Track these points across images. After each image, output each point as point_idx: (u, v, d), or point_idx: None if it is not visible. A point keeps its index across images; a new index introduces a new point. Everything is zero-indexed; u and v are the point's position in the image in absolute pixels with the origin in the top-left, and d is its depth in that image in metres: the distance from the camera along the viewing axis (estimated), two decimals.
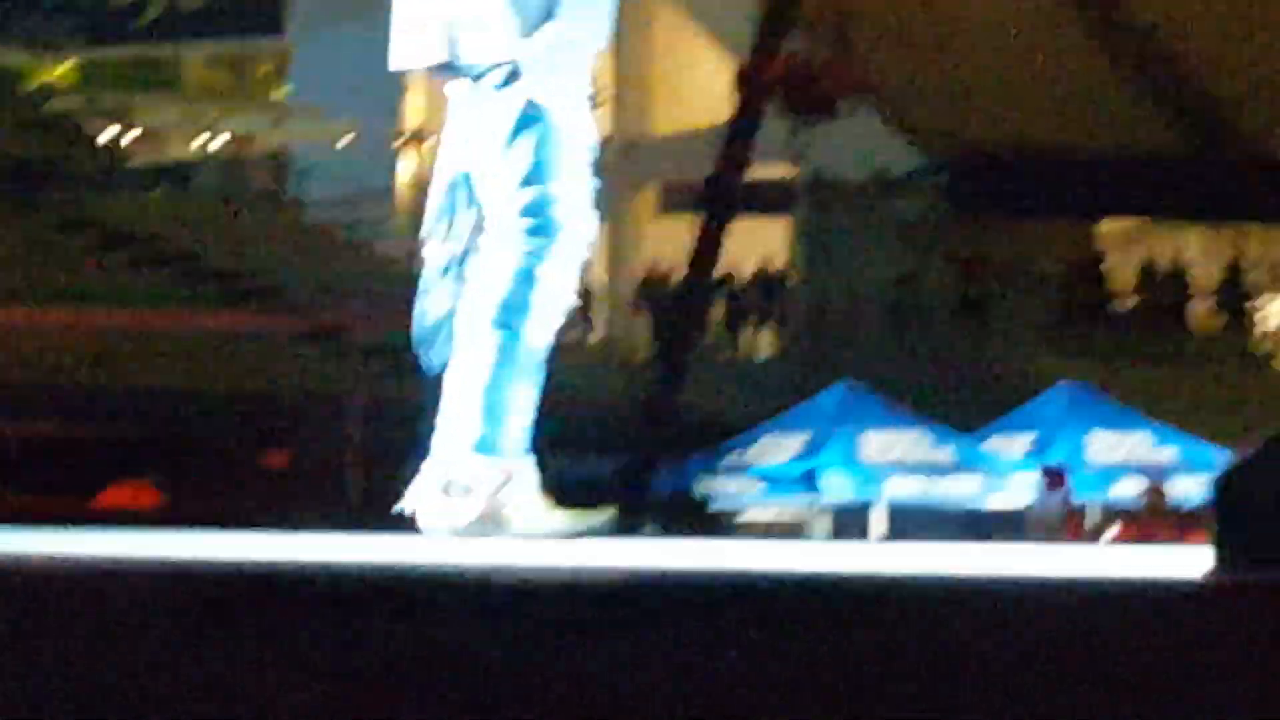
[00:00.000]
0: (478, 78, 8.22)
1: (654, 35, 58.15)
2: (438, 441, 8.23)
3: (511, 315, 8.11)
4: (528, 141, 8.07)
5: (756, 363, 51.32)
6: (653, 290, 49.36)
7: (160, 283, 45.57)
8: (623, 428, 40.38)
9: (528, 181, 8.06)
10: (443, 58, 8.30)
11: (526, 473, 8.16)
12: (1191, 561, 6.28)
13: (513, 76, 8.14)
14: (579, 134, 8.14)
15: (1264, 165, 52.09)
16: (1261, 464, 6.39)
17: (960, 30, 54.08)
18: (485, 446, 8.12)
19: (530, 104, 8.08)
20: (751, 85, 42.07)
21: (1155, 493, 35.20)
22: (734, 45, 48.65)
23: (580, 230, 8.19)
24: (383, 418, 35.43)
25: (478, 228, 8.31)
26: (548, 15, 8.26)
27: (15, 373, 38.78)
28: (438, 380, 8.27)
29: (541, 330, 8.16)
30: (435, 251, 8.44)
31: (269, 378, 40.36)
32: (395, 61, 8.46)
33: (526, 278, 8.12)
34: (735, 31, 48.74)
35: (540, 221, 8.12)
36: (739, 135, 42.28)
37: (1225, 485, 6.32)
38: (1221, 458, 36.30)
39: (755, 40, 42.80)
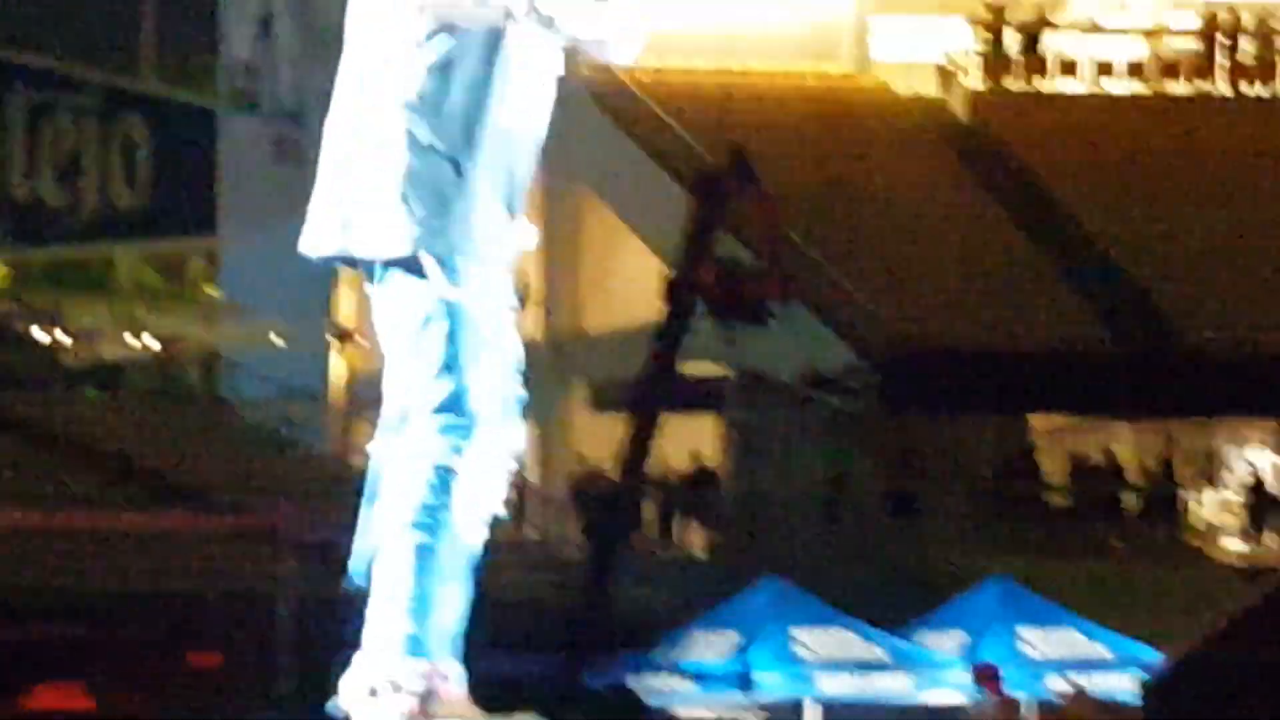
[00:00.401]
0: (383, 271, 8.05)
1: (584, 236, 58.23)
2: (367, 641, 8.01)
3: (431, 516, 7.94)
4: (439, 333, 7.90)
5: (688, 559, 51.28)
6: (584, 488, 49.29)
7: (91, 483, 45.57)
8: (554, 626, 40.41)
9: (440, 374, 7.90)
10: (337, 248, 8.21)
11: (455, 674, 8.00)
12: None
13: (416, 270, 7.96)
14: (497, 330, 8.01)
15: (1192, 364, 52.26)
16: (1188, 669, 6.11)
17: (890, 231, 54.29)
18: (413, 648, 7.92)
19: (440, 299, 7.92)
20: (680, 291, 42.24)
21: (1080, 693, 35.21)
22: (664, 248, 48.82)
23: (501, 429, 8.05)
24: (313, 617, 35.37)
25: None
26: (450, 209, 8.07)
27: None
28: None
29: (466, 531, 8.02)
30: (382, 454, 8.15)
31: (199, 577, 40.34)
32: (301, 247, 8.24)
33: (444, 477, 7.96)
34: (665, 234, 48.85)
35: (456, 418, 7.97)
36: (669, 335, 42.48)
37: (1154, 689, 6.05)
38: (1149, 655, 36.62)
39: (684, 246, 43.02)
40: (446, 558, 8.02)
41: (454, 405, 7.92)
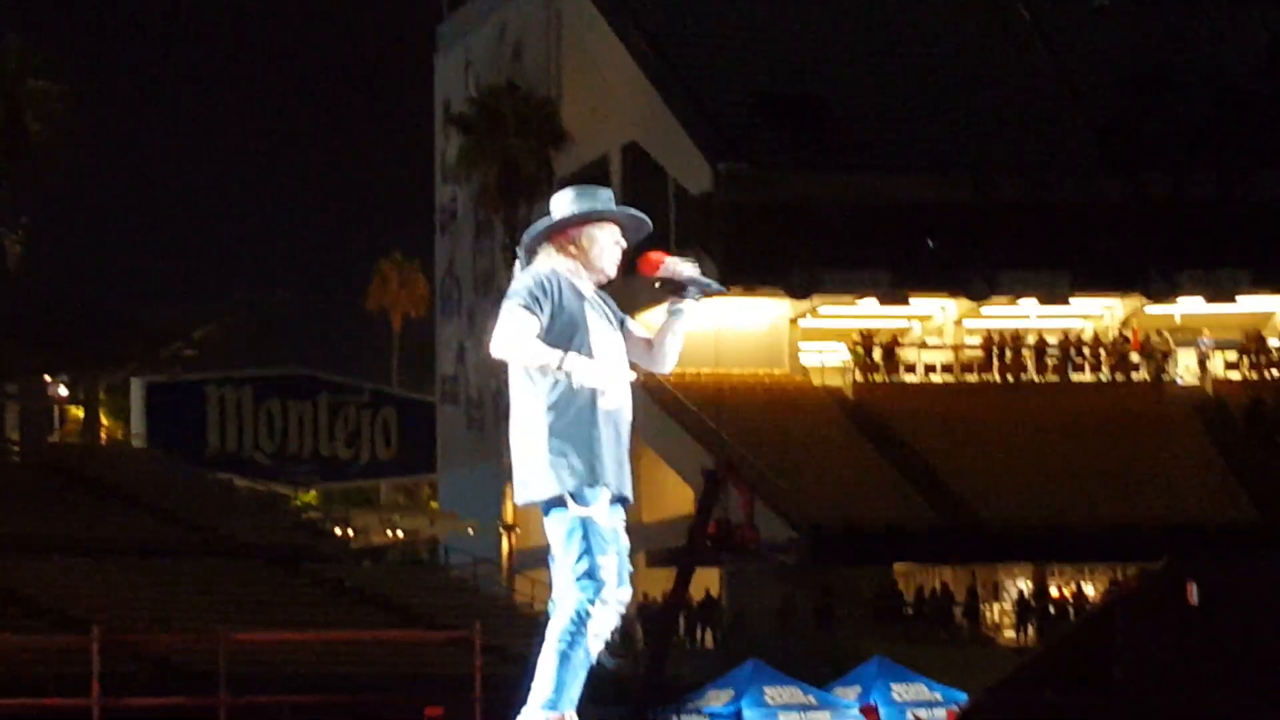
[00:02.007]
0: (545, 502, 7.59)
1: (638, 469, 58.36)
2: (529, 701, 7.70)
3: (571, 637, 7.59)
4: (579, 534, 7.50)
5: (703, 650, 50.81)
6: (646, 611, 48.68)
7: (366, 613, 45.12)
8: (629, 690, 40.03)
9: (580, 558, 7.52)
10: (520, 500, 7.67)
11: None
12: None
13: (562, 502, 7.53)
14: (614, 528, 7.59)
15: (982, 532, 52.02)
16: (983, 703, 6.65)
17: (811, 462, 54.11)
18: (551, 705, 7.64)
19: (577, 516, 7.53)
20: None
21: None
22: (689, 482, 48.87)
23: (617, 590, 7.62)
24: (493, 689, 35.22)
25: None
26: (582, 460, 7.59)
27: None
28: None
29: (593, 647, 7.65)
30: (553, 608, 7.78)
31: (430, 666, 40.14)
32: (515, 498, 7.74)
33: (581, 616, 7.58)
34: (690, 474, 48.92)
35: (590, 582, 7.53)
36: (693, 532, 42.23)
37: (964, 715, 6.58)
38: (962, 697, 36.28)
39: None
40: (576, 659, 7.65)
41: (589, 575, 7.52)
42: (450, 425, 67.69)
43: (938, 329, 60.10)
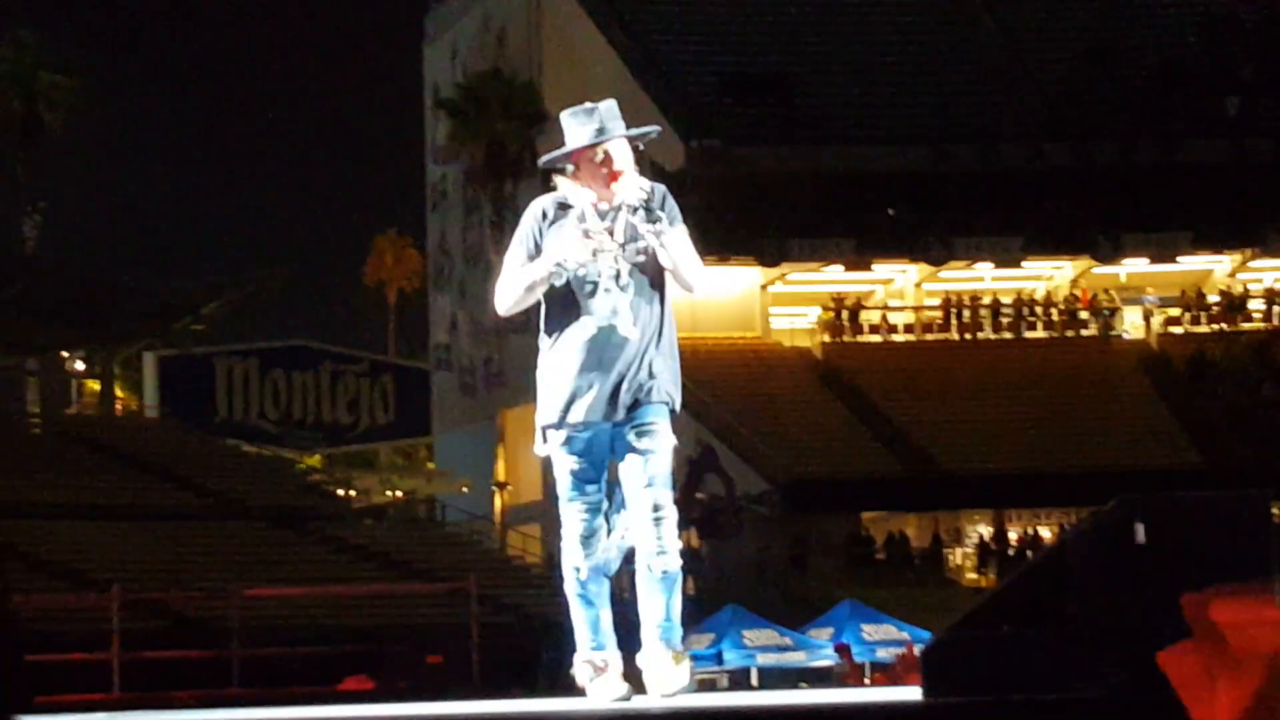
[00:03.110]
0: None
1: None
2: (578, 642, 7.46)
3: (567, 568, 7.32)
4: (556, 474, 7.25)
5: (686, 597, 50.92)
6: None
7: (369, 568, 45.09)
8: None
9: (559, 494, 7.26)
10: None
11: (615, 658, 7.44)
12: (914, 693, 6.49)
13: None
14: (588, 463, 7.29)
15: (945, 480, 52.14)
16: (946, 640, 6.62)
17: (783, 415, 54.17)
18: (580, 646, 7.39)
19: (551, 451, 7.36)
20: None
21: (909, 654, 34.79)
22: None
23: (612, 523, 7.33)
24: (488, 638, 35.21)
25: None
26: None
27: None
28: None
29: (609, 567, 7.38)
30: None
31: (428, 616, 40.28)
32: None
33: (567, 549, 7.31)
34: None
35: (568, 519, 7.23)
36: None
37: (928, 652, 6.57)
38: (927, 635, 36.43)
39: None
40: (577, 598, 7.29)
41: (566, 511, 7.20)
42: (444, 390, 67.66)
43: (899, 292, 60.17)
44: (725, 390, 53.53)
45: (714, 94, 57.83)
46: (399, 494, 65.38)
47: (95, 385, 60.80)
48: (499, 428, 63.03)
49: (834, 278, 58.70)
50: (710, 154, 56.35)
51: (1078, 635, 6.46)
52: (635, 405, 7.21)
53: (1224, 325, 58.37)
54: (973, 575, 52.05)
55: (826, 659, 38.26)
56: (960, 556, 53.50)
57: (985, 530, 53.70)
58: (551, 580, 47.52)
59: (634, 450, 7.22)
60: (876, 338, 58.44)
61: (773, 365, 56.94)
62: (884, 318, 59.00)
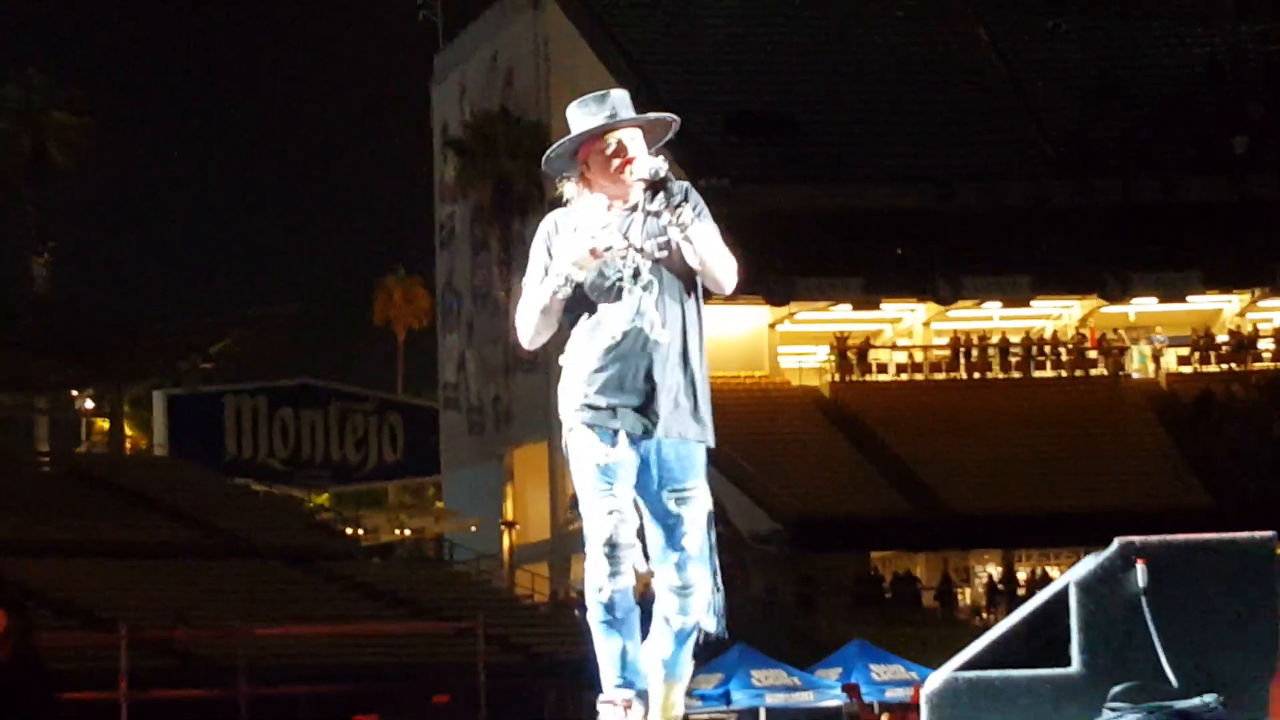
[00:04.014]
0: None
1: None
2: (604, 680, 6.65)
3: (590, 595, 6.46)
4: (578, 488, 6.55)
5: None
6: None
7: (378, 607, 45.04)
8: None
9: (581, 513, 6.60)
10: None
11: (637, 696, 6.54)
12: None
13: None
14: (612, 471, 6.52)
15: (953, 521, 52.02)
16: (946, 680, 6.63)
17: (792, 455, 54.12)
18: (608, 682, 6.58)
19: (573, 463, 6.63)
20: None
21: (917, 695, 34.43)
22: None
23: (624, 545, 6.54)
24: (495, 676, 34.90)
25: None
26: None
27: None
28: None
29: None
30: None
31: (435, 654, 40.13)
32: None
33: (590, 572, 6.49)
34: None
35: (590, 537, 6.49)
36: None
37: (930, 692, 6.58)
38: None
39: None
40: (602, 629, 6.47)
41: (587, 529, 6.49)
42: (453, 429, 67.60)
43: (907, 331, 60.12)
44: (733, 429, 53.41)
45: (721, 133, 57.89)
46: (407, 533, 65.31)
47: (104, 424, 60.86)
48: (507, 466, 63.00)
49: (842, 317, 58.69)
50: (717, 193, 56.30)
51: (1078, 676, 6.48)
52: (668, 435, 6.46)
53: (1233, 365, 58.29)
54: (982, 615, 51.88)
55: (835, 699, 38.20)
56: (969, 596, 53.35)
57: (994, 570, 53.53)
58: (559, 619, 47.54)
59: (667, 513, 6.52)
60: (885, 377, 58.39)
61: (781, 404, 56.88)
62: (892, 357, 58.94)
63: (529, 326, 6.45)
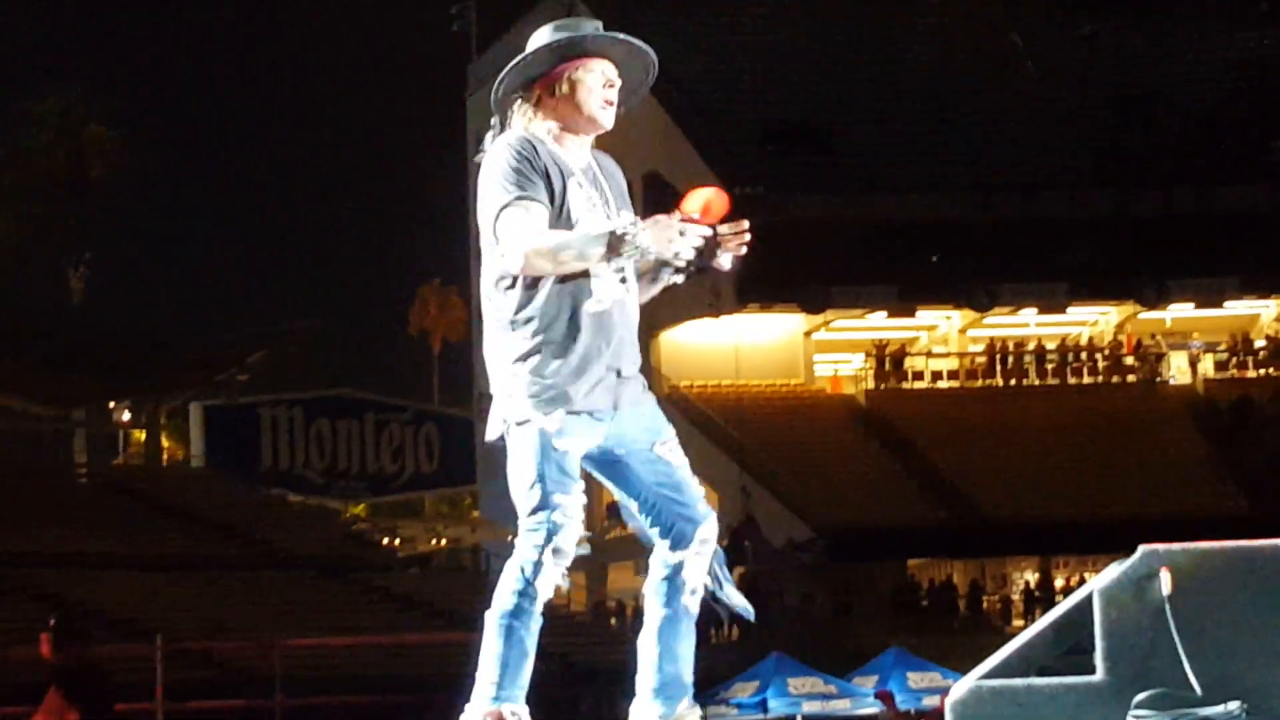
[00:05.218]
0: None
1: None
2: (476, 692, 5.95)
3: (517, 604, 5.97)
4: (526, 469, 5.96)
5: (731, 644, 50.74)
6: None
7: (415, 616, 44.99)
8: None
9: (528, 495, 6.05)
10: (489, 435, 6.00)
11: (523, 714, 5.96)
12: None
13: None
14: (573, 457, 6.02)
15: (989, 528, 51.88)
16: (974, 685, 6.60)
17: (827, 464, 54.07)
18: (492, 695, 5.95)
19: (527, 444, 5.98)
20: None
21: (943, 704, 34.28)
22: (715, 490, 48.60)
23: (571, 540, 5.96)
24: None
25: None
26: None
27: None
28: None
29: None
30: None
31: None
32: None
33: (525, 567, 5.97)
34: (714, 481, 48.70)
35: (538, 525, 5.95)
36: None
37: (954, 700, 6.54)
38: None
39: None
40: (520, 632, 5.91)
41: (537, 513, 5.92)
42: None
43: (943, 338, 60.09)
44: (769, 437, 53.51)
45: (757, 143, 57.90)
46: (444, 543, 65.32)
47: (141, 436, 61.02)
48: None
49: (877, 324, 58.65)
50: (753, 202, 56.20)
51: (1102, 685, 6.44)
52: (634, 405, 5.84)
53: (1270, 370, 58.14)
54: (1019, 623, 51.67)
55: (871, 707, 38.09)
56: (1006, 604, 53.21)
57: (1031, 577, 53.45)
58: (597, 627, 47.55)
59: (659, 463, 5.87)
60: (921, 385, 58.37)
61: (817, 412, 56.87)
62: (928, 365, 58.88)
63: (541, 261, 5.55)
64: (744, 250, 5.97)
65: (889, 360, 58.30)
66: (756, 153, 57.69)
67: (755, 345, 57.38)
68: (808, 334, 58.94)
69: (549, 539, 5.83)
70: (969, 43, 61.31)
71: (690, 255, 5.72)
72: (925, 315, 58.97)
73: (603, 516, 56.79)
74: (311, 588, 46.13)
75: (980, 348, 59.26)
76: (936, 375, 58.67)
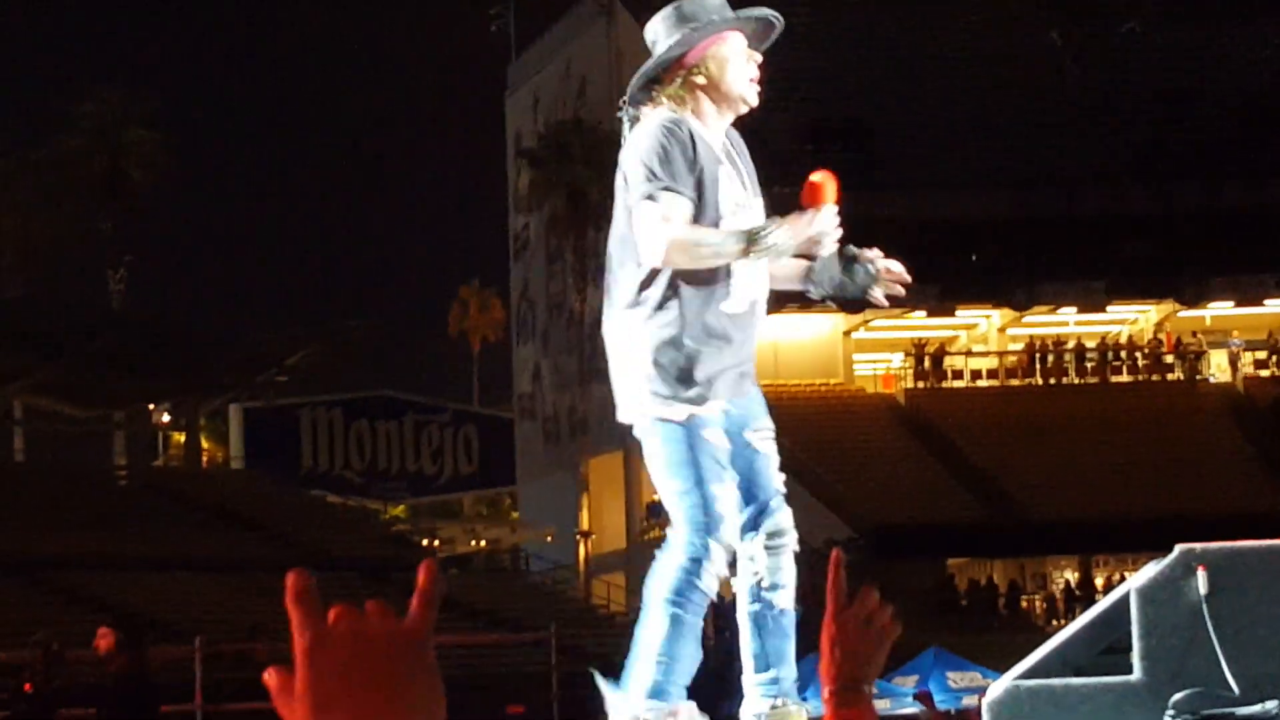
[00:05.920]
0: None
1: None
2: (630, 686, 5.75)
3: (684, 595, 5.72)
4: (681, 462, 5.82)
5: None
6: (718, 609, 48.57)
7: (454, 618, 45.05)
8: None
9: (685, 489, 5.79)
10: (622, 417, 5.92)
11: (686, 712, 5.74)
12: None
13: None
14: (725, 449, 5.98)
15: (1029, 527, 51.75)
16: (1010, 685, 6.55)
17: (867, 464, 54.03)
18: (657, 691, 5.69)
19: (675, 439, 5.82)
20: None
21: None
22: None
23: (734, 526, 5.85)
24: (569, 687, 34.97)
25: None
26: None
27: None
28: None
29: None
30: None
31: (510, 665, 40.05)
32: None
33: (695, 557, 5.72)
34: None
35: (700, 516, 5.72)
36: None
37: (991, 700, 6.49)
38: None
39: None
40: (688, 624, 5.71)
41: (700, 508, 5.68)
42: (528, 440, 67.70)
43: (983, 337, 59.99)
44: (809, 436, 53.36)
45: (796, 141, 57.82)
46: (483, 544, 65.40)
47: (181, 437, 61.21)
48: (583, 476, 63.06)
49: (917, 323, 58.56)
50: (792, 201, 56.27)
51: (1139, 684, 6.38)
52: (747, 390, 5.90)
53: None
54: (1059, 622, 51.61)
55: (910, 706, 37.95)
56: (1046, 603, 53.09)
57: (1071, 576, 53.33)
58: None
59: (747, 449, 5.82)
60: (960, 383, 58.28)
61: (856, 411, 56.83)
62: (968, 363, 58.79)
63: (680, 256, 5.50)
64: (900, 290, 6.22)
65: (928, 359, 58.20)
66: (797, 151, 57.61)
67: (794, 344, 57.29)
68: (847, 333, 58.90)
69: (712, 530, 5.66)
70: (1009, 41, 61.18)
71: (832, 246, 5.98)
72: (965, 314, 58.90)
73: (642, 517, 56.86)
74: (352, 589, 45.99)
75: (1020, 346, 59.15)
76: (976, 374, 58.57)
